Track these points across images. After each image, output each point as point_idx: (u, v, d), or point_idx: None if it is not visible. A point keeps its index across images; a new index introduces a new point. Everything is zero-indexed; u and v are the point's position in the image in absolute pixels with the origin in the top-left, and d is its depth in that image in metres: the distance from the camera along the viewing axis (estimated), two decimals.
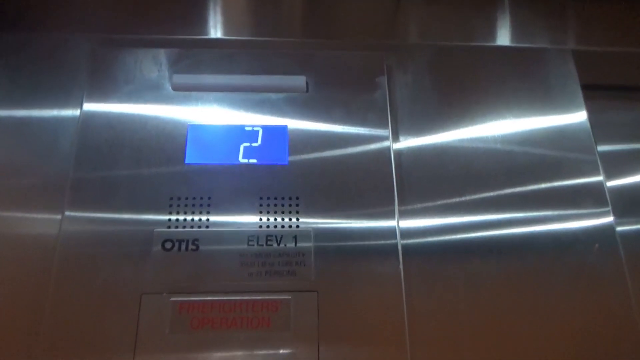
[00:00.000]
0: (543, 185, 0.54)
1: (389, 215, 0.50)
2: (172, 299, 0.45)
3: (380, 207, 0.51)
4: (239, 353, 0.44)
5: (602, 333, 0.48)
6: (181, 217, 0.49)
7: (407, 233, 0.51)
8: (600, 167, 0.55)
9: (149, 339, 0.44)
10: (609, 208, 0.53)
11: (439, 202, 0.53)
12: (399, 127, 0.56)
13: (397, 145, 0.55)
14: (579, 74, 0.61)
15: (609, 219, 0.53)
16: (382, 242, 0.49)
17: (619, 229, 0.53)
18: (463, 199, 0.53)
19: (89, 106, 0.53)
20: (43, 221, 0.49)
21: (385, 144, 0.54)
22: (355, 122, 0.55)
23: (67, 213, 0.48)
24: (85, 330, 0.44)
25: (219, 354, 0.44)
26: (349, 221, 0.50)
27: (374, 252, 0.49)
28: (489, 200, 0.53)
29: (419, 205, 0.52)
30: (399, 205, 0.51)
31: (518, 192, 0.54)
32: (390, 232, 0.50)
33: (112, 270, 0.46)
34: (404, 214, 0.51)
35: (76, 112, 0.53)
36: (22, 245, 0.48)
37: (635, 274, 0.51)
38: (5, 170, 0.51)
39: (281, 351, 0.44)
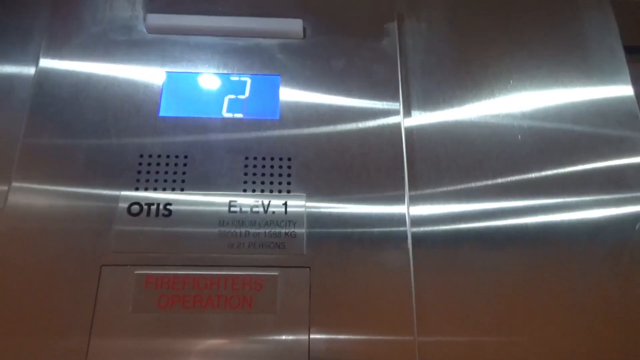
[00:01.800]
0: (578, 167, 0.46)
1: (399, 200, 0.43)
2: (137, 271, 0.38)
3: (389, 183, 0.43)
4: (214, 339, 0.37)
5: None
6: (152, 178, 0.41)
7: (418, 220, 0.43)
8: None
9: (108, 319, 0.37)
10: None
11: (455, 188, 0.45)
12: (410, 87, 0.48)
13: (408, 121, 0.47)
14: (621, 32, 0.52)
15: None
16: (390, 229, 0.42)
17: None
18: (481, 184, 0.45)
19: (49, 53, 0.45)
20: None
21: (395, 118, 0.46)
22: (360, 77, 0.47)
23: (14, 184, 0.40)
24: (35, 310, 0.37)
25: (190, 339, 0.37)
26: (350, 190, 0.42)
27: (381, 236, 0.42)
28: (511, 185, 0.45)
29: (431, 191, 0.45)
30: (409, 190, 0.43)
31: (544, 175, 0.46)
32: (399, 219, 0.42)
33: (68, 240, 0.39)
34: (415, 200, 0.44)
35: (32, 67, 0.45)
36: None
37: None
38: None
39: (264, 338, 0.37)
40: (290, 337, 0.37)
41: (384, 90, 0.47)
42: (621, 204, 0.45)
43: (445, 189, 0.45)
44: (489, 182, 0.45)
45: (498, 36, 0.51)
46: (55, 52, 0.45)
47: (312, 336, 0.37)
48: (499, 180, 0.46)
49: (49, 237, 0.39)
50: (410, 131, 0.46)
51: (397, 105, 0.46)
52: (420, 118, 0.47)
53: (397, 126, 0.45)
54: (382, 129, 0.45)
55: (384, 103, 0.46)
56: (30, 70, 0.45)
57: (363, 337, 0.38)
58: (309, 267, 0.39)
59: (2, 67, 0.46)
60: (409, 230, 0.42)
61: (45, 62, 0.45)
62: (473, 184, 0.45)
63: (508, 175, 0.46)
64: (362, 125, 0.45)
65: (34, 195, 0.40)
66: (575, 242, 0.44)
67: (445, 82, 0.49)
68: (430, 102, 0.48)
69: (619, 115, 0.49)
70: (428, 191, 0.44)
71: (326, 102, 0.46)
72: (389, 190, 0.43)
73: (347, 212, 0.41)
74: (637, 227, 0.44)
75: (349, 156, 0.44)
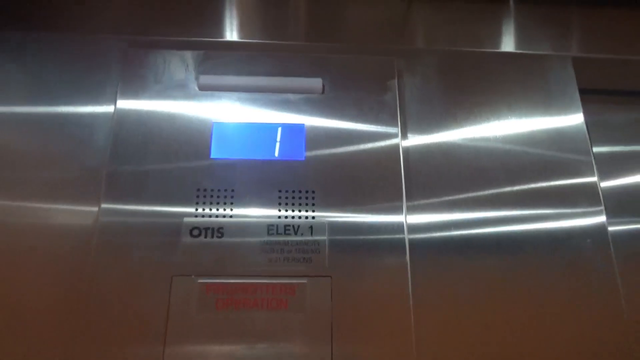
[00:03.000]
0: (540, 184, 0.59)
1: (397, 210, 0.55)
2: (199, 281, 0.50)
3: (389, 202, 0.55)
4: (260, 332, 0.49)
5: (592, 329, 0.52)
6: (207, 208, 0.53)
7: (414, 228, 0.55)
8: (595, 168, 0.59)
9: (179, 318, 0.49)
10: (602, 207, 0.57)
11: (444, 199, 0.57)
12: (407, 126, 0.60)
13: (405, 143, 0.59)
14: (577, 78, 0.64)
15: (602, 218, 0.57)
16: (390, 236, 0.54)
17: (610, 228, 0.57)
18: (466, 195, 0.57)
19: (122, 103, 0.57)
20: (80, 213, 0.53)
21: (395, 141, 0.58)
22: (367, 122, 0.59)
23: (103, 205, 0.52)
24: (122, 311, 0.49)
25: (241, 333, 0.49)
26: (360, 215, 0.54)
27: (383, 245, 0.53)
28: (490, 197, 0.57)
29: (425, 201, 0.57)
30: (406, 201, 0.55)
31: (516, 190, 0.58)
32: (398, 227, 0.54)
33: (145, 256, 0.51)
34: (412, 210, 0.56)
35: (110, 109, 0.57)
36: (60, 236, 0.52)
37: (625, 271, 0.55)
38: (44, 163, 0.55)
39: (297, 331, 0.49)
40: (317, 331, 0.49)
41: (386, 124, 0.59)
42: (574, 217, 0.57)
43: (436, 200, 0.57)
44: (471, 194, 0.57)
45: (480, 86, 0.63)
46: (127, 100, 0.57)
47: (334, 329, 0.49)
48: (478, 194, 0.57)
49: (129, 252, 0.51)
50: (406, 150, 0.59)
51: (396, 130, 0.58)
52: (416, 140, 0.60)
53: (396, 146, 0.58)
54: (383, 150, 0.58)
55: (387, 142, 0.58)
56: (108, 109, 0.57)
57: (373, 334, 0.50)
58: (330, 276, 0.51)
59: (85, 107, 0.58)
60: (407, 237, 0.54)
61: (122, 104, 0.57)
62: (460, 196, 0.57)
63: (484, 190, 0.58)
64: (368, 147, 0.57)
65: (118, 215, 0.52)
66: (541, 250, 0.55)
67: (436, 123, 0.61)
68: (424, 130, 0.60)
69: (573, 143, 0.61)
70: (422, 202, 0.57)
71: (341, 144, 0.57)
72: (389, 202, 0.55)
73: (360, 237, 0.53)
74: (588, 241, 0.56)
75: (357, 178, 0.55)
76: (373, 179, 0.56)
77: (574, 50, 0.67)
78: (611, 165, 0.64)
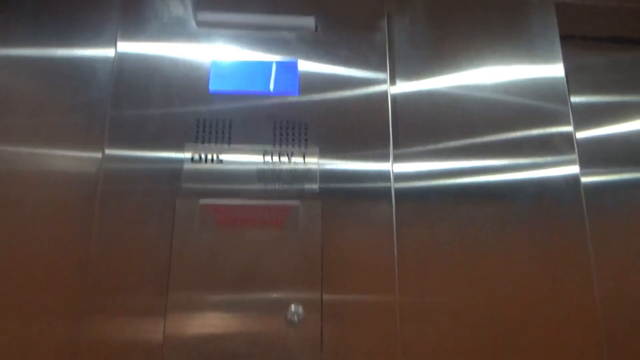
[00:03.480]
0: (519, 133, 0.62)
1: (385, 157, 0.59)
2: (201, 202, 0.55)
3: (377, 149, 0.59)
4: (257, 248, 0.54)
5: (559, 271, 0.57)
6: (207, 137, 0.57)
7: (400, 176, 0.59)
8: (571, 118, 0.63)
9: (183, 235, 0.53)
10: (576, 157, 0.61)
11: (429, 147, 0.61)
12: (396, 71, 0.64)
13: (394, 90, 0.62)
14: (559, 25, 0.68)
15: (575, 168, 0.61)
16: (377, 183, 0.58)
17: (584, 179, 0.61)
18: (450, 144, 0.61)
19: (123, 46, 0.60)
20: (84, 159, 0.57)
21: (384, 87, 0.62)
22: (358, 64, 0.62)
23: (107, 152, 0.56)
24: (130, 228, 0.53)
25: (240, 248, 0.54)
26: (350, 153, 0.58)
27: (370, 188, 0.58)
28: (472, 146, 0.61)
29: (411, 150, 0.61)
30: (394, 149, 0.59)
31: (496, 139, 0.62)
32: (384, 174, 0.58)
33: (150, 183, 0.55)
34: (398, 158, 0.60)
35: (111, 52, 0.60)
36: (65, 180, 0.56)
37: (594, 220, 0.60)
38: (45, 109, 0.58)
39: (291, 248, 0.54)
40: (309, 248, 0.54)
41: (375, 69, 0.62)
42: (548, 166, 0.61)
43: (422, 148, 0.61)
44: (457, 143, 0.61)
45: (465, 31, 0.66)
46: (129, 40, 0.60)
47: (324, 248, 0.54)
48: (460, 142, 0.61)
49: (135, 181, 0.55)
50: (395, 98, 0.62)
51: (385, 76, 0.61)
52: (404, 87, 0.63)
53: (385, 93, 0.61)
54: (372, 96, 0.61)
55: (376, 87, 0.62)
56: (109, 53, 0.60)
57: (358, 266, 0.55)
58: (321, 200, 0.56)
59: (84, 50, 0.61)
60: (393, 186, 0.58)
61: (122, 47, 0.60)
62: (444, 145, 0.61)
63: (466, 138, 0.62)
64: (357, 92, 0.61)
65: (122, 161, 0.56)
66: (517, 199, 0.60)
67: (422, 64, 0.65)
68: (412, 76, 0.64)
69: (551, 91, 0.64)
70: (409, 150, 0.61)
71: (332, 83, 0.61)
72: (377, 149, 0.59)
73: (348, 169, 0.58)
74: (561, 191, 0.60)
75: (348, 119, 0.59)
76: (362, 119, 0.60)
77: None
78: (588, 116, 0.67)
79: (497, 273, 0.57)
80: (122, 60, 0.59)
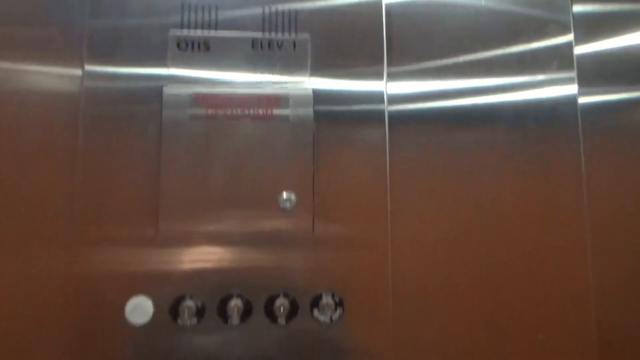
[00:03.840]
0: (517, 48, 0.60)
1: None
2: (189, 91, 0.54)
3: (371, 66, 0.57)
4: (248, 139, 0.54)
5: (551, 202, 0.58)
6: (192, 21, 0.55)
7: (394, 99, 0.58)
8: (572, 29, 0.61)
9: (173, 124, 0.53)
10: (574, 74, 0.60)
11: (425, 65, 0.59)
12: None
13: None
14: None
15: (574, 86, 0.60)
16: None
17: (581, 99, 0.60)
18: (446, 62, 0.59)
19: None
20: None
21: None
22: None
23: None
24: (119, 120, 0.53)
25: (230, 138, 0.54)
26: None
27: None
28: (467, 64, 0.59)
29: (406, 68, 0.59)
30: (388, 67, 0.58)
31: (494, 55, 0.60)
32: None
33: (140, 64, 0.53)
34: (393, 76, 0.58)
35: None
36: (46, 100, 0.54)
37: (590, 146, 0.60)
38: (22, 21, 0.54)
39: (283, 140, 0.54)
40: (300, 139, 0.55)
41: None
42: (546, 84, 0.60)
43: (417, 67, 0.59)
44: (453, 60, 0.59)
45: None
46: None
47: (315, 143, 0.55)
48: (463, 58, 0.59)
49: (119, 68, 0.53)
50: (389, 8, 0.59)
51: None
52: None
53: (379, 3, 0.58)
54: (365, 5, 0.58)
55: None
56: None
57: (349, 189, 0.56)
58: (312, 90, 0.56)
59: None
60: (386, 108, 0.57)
61: None
62: (441, 62, 0.59)
63: (464, 55, 0.59)
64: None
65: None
66: (513, 121, 0.59)
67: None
68: None
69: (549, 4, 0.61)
70: (404, 68, 0.58)
71: None
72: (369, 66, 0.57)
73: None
74: (557, 110, 0.59)
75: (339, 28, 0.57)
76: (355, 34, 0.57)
77: None
78: (591, 28, 0.63)
79: (488, 197, 0.58)
80: None
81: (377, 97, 0.57)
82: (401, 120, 0.58)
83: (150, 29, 0.54)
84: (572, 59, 0.61)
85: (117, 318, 0.50)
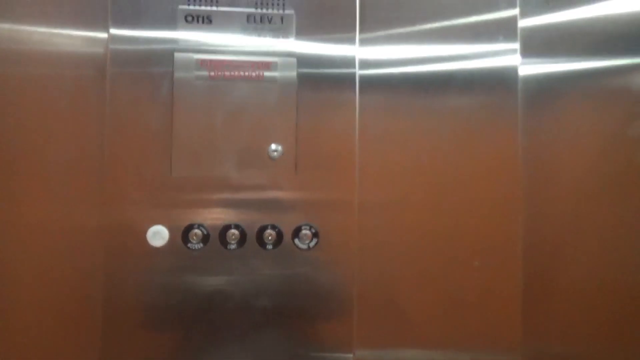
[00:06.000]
0: (468, 20, 0.69)
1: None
2: (195, 57, 0.65)
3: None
4: (245, 97, 0.65)
5: (492, 159, 0.69)
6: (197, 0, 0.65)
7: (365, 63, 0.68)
8: (517, 3, 0.70)
9: (183, 85, 0.65)
10: (517, 52, 0.69)
11: (393, 32, 0.69)
12: None
13: None
14: None
15: (515, 58, 0.70)
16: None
17: (523, 69, 0.69)
18: (414, 28, 0.69)
19: None
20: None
21: None
22: None
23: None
24: (139, 79, 0.64)
25: (229, 97, 0.65)
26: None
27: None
28: (429, 31, 0.69)
29: (376, 34, 0.69)
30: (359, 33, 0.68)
31: (450, 24, 0.69)
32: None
33: (153, 36, 0.64)
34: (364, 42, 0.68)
35: None
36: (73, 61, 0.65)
37: (528, 112, 0.70)
38: None
39: (274, 95, 0.66)
40: (285, 100, 0.66)
41: None
42: (489, 55, 0.70)
43: (387, 32, 0.69)
44: (421, 27, 0.69)
45: None
46: None
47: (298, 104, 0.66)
48: (428, 27, 0.69)
49: (138, 35, 0.64)
50: None
51: None
52: None
53: None
54: None
55: None
56: None
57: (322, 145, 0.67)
58: (296, 57, 0.66)
59: None
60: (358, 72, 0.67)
61: None
62: (411, 29, 0.69)
63: (433, 23, 0.69)
64: None
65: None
66: (462, 88, 0.69)
67: None
68: None
69: None
70: (375, 34, 0.68)
71: None
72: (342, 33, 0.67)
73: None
74: (498, 81, 0.70)
75: None
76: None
77: None
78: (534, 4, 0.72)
79: (440, 153, 0.69)
80: None
81: (350, 61, 0.68)
82: (370, 82, 0.69)
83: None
84: (516, 31, 0.70)
85: (141, 242, 0.63)
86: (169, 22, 0.65)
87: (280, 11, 0.66)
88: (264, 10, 0.66)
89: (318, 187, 0.66)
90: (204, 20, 0.65)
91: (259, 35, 0.66)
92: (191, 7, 0.65)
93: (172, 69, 0.64)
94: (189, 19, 0.65)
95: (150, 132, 0.64)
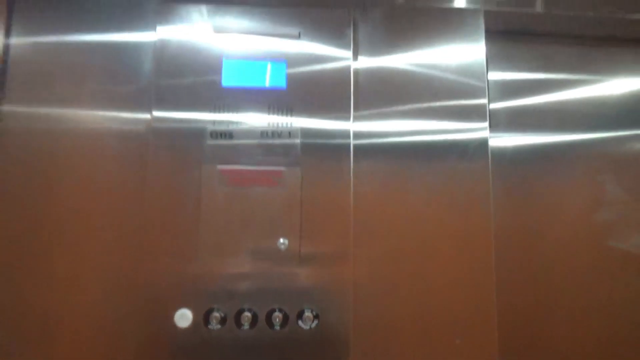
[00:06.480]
0: (446, 102, 0.85)
1: (347, 119, 0.82)
2: (218, 167, 0.79)
3: (341, 112, 0.83)
4: (258, 200, 0.79)
5: (465, 222, 0.83)
6: (222, 119, 0.81)
7: (358, 134, 0.84)
8: (487, 92, 0.86)
9: (208, 190, 0.79)
10: (487, 124, 0.84)
11: (383, 110, 0.85)
12: (359, 52, 0.86)
13: (355, 65, 0.85)
14: (485, 22, 0.88)
15: (485, 133, 0.85)
16: (339, 140, 0.82)
17: (492, 142, 0.85)
18: (398, 108, 0.85)
19: (162, 31, 0.82)
20: (135, 120, 0.81)
21: (348, 63, 0.84)
22: (329, 55, 0.84)
23: (154, 113, 0.80)
24: (173, 186, 0.79)
25: (246, 199, 0.79)
26: (322, 121, 0.82)
27: (332, 148, 0.82)
28: (414, 110, 0.85)
29: (367, 112, 0.85)
30: (354, 111, 0.83)
31: (431, 106, 0.85)
32: (346, 133, 0.82)
33: (186, 151, 0.79)
34: (358, 118, 0.84)
35: (152, 37, 0.83)
36: (120, 137, 0.81)
37: (497, 177, 0.85)
38: (104, 80, 0.82)
39: (282, 199, 0.79)
40: (293, 199, 0.79)
41: (342, 52, 0.84)
42: (464, 131, 0.85)
43: (375, 111, 0.84)
44: (403, 107, 0.84)
45: (413, 33, 0.87)
46: (167, 26, 0.82)
47: (303, 200, 0.79)
48: (411, 106, 0.84)
49: (174, 148, 0.80)
50: (356, 71, 0.85)
51: (349, 55, 0.84)
52: (364, 62, 0.85)
53: (348, 67, 0.84)
54: (338, 70, 0.84)
55: (340, 63, 0.84)
56: (151, 37, 0.83)
57: (321, 216, 0.81)
58: (300, 166, 0.80)
59: (130, 34, 0.83)
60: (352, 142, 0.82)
61: (161, 31, 0.82)
62: (398, 108, 0.84)
63: (413, 104, 0.85)
64: (326, 66, 0.83)
65: (167, 122, 0.80)
66: (441, 156, 0.84)
67: (379, 49, 0.86)
68: (370, 57, 0.85)
69: (471, 69, 0.86)
70: (366, 112, 0.84)
71: (307, 70, 0.83)
72: (339, 112, 0.82)
73: (319, 128, 0.81)
74: (471, 151, 0.85)
75: (321, 90, 0.82)
76: (328, 92, 0.82)
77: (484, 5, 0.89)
78: (503, 90, 0.91)
79: (423, 214, 0.82)
80: (162, 43, 0.82)
81: (346, 133, 0.82)
82: (363, 152, 0.83)
83: (201, 85, 0.81)
84: (486, 113, 0.85)
85: (168, 322, 0.75)
86: (197, 141, 0.80)
87: (289, 127, 0.81)
88: (275, 128, 0.81)
89: (319, 276, 0.78)
90: (225, 136, 0.80)
91: (271, 146, 0.81)
92: (216, 128, 0.80)
93: (200, 173, 0.79)
94: (214, 135, 0.80)
95: (181, 217, 0.78)
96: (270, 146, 0.81)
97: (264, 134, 0.81)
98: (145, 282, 0.76)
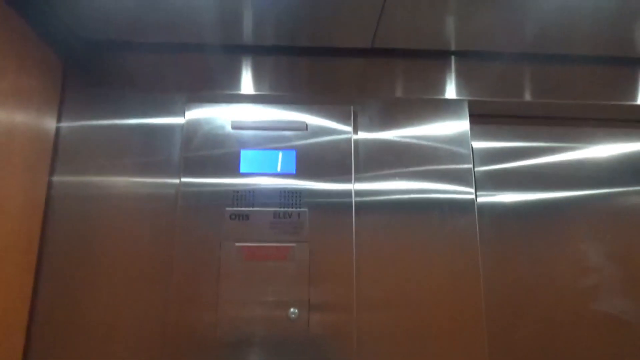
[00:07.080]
0: (436, 167, 0.97)
1: (348, 180, 0.94)
2: (236, 244, 0.91)
3: (343, 175, 0.95)
4: (271, 272, 0.90)
5: (454, 275, 0.93)
6: (239, 202, 0.93)
7: (359, 193, 0.95)
8: (472, 158, 0.98)
9: (227, 264, 0.90)
10: (473, 188, 0.96)
11: (380, 172, 0.96)
12: (358, 128, 0.99)
13: (356, 137, 0.98)
14: (469, 108, 1.01)
15: (471, 195, 0.96)
16: (342, 199, 0.93)
17: (478, 200, 0.96)
18: (393, 171, 0.97)
19: (191, 114, 0.96)
20: (165, 184, 0.94)
21: (349, 136, 0.96)
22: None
23: (182, 179, 0.93)
24: (197, 260, 0.90)
25: (260, 272, 0.90)
26: (327, 177, 0.93)
27: (336, 206, 0.93)
28: (407, 173, 0.97)
29: (367, 174, 0.96)
30: (355, 173, 0.95)
31: (422, 170, 0.97)
32: (347, 192, 0.93)
33: (209, 228, 0.92)
34: (358, 180, 0.95)
35: (181, 120, 0.97)
36: (151, 200, 0.94)
37: (485, 233, 0.97)
38: (141, 152, 0.95)
39: (292, 271, 0.90)
40: (301, 273, 0.90)
41: (344, 129, 0.97)
42: (451, 193, 0.96)
43: (373, 173, 0.96)
44: (398, 170, 0.96)
45: (406, 116, 1.00)
46: (195, 109, 0.96)
47: (311, 272, 0.90)
48: (405, 170, 0.96)
49: (199, 222, 0.92)
50: (356, 142, 0.97)
51: (350, 129, 0.96)
52: (363, 136, 0.97)
53: (349, 139, 0.96)
54: (341, 141, 0.96)
55: (344, 136, 0.96)
56: (181, 121, 0.97)
57: (327, 280, 0.91)
58: (308, 242, 0.91)
59: (164, 121, 0.97)
60: (354, 200, 0.94)
61: (190, 115, 0.96)
62: (394, 171, 0.96)
63: (407, 168, 0.96)
64: (331, 139, 0.96)
65: (192, 187, 0.93)
66: (433, 214, 0.95)
67: (376, 127, 0.98)
68: (368, 133, 0.98)
69: (458, 140, 0.98)
70: (366, 175, 0.96)
71: (314, 155, 0.96)
72: (342, 175, 0.94)
73: (326, 199, 0.93)
74: (459, 210, 0.95)
75: (325, 165, 0.95)
76: (333, 162, 0.95)
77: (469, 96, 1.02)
78: (486, 157, 1.03)
79: (418, 265, 0.93)
80: (189, 123, 0.96)
81: (348, 192, 0.94)
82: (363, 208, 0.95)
83: (222, 170, 0.93)
84: (472, 176, 0.97)
85: None
86: (219, 220, 0.92)
87: (297, 209, 0.93)
88: (286, 209, 0.93)
89: (327, 345, 0.87)
90: (243, 218, 0.93)
91: (283, 225, 0.92)
92: (234, 209, 0.93)
93: (219, 254, 0.90)
94: (233, 217, 0.93)
95: (203, 288, 0.89)
96: (282, 225, 0.92)
97: (276, 214, 0.93)
98: (164, 344, 0.86)
